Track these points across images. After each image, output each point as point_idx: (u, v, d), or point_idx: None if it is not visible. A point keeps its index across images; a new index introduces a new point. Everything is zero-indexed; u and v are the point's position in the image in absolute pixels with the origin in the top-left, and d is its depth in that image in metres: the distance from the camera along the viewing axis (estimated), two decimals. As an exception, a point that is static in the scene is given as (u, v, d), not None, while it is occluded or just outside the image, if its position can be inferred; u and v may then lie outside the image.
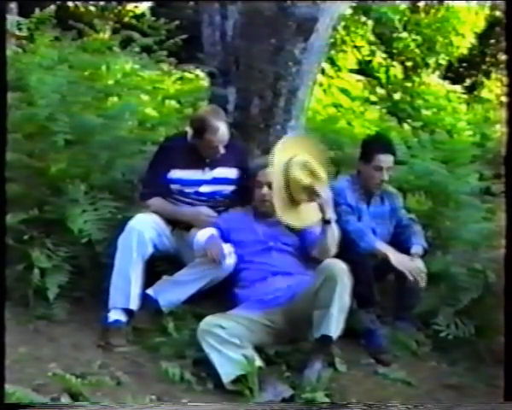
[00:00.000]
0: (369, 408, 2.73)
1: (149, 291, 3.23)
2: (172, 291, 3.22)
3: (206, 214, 3.39)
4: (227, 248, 3.23)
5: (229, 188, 3.50)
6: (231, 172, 3.50)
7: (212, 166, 3.45)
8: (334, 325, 2.88)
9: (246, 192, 3.46)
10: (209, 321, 2.97)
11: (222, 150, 3.40)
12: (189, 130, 3.50)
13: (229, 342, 2.91)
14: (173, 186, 3.42)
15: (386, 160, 3.51)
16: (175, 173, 3.42)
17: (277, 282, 3.17)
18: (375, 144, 3.63)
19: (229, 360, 2.87)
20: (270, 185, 3.31)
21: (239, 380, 2.82)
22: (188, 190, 3.42)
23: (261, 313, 3.08)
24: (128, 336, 3.18)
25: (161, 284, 3.26)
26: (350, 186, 3.56)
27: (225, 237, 3.29)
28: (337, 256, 3.17)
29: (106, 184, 3.58)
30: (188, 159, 3.43)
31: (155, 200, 3.40)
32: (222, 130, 3.37)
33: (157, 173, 3.42)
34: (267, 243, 3.28)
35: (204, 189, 3.44)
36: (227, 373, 2.86)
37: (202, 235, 3.24)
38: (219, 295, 3.29)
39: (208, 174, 3.45)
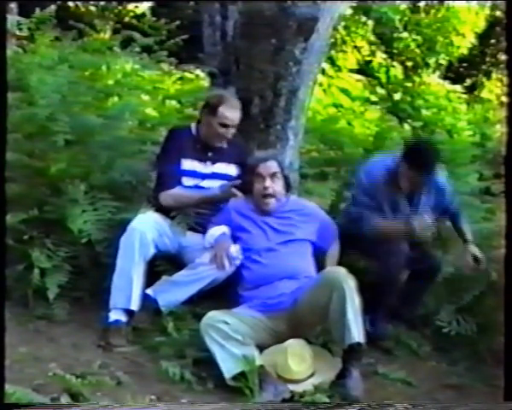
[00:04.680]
0: (370, 409, 2.73)
1: (149, 291, 3.22)
2: (172, 292, 3.21)
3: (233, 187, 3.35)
4: (235, 249, 3.23)
5: None
6: (231, 169, 3.49)
7: (214, 161, 3.45)
8: (356, 330, 2.88)
9: (245, 189, 3.45)
10: (213, 316, 2.96)
11: (229, 136, 3.41)
12: (193, 125, 3.51)
13: (232, 338, 2.91)
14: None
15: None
16: (183, 164, 3.41)
17: (282, 286, 3.15)
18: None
19: (232, 356, 2.87)
20: (273, 176, 3.32)
21: (240, 377, 2.82)
22: (189, 183, 3.41)
23: (264, 316, 3.09)
24: (128, 336, 3.17)
25: (161, 285, 3.25)
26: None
27: (233, 233, 3.30)
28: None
29: (106, 184, 3.57)
30: (192, 150, 3.42)
31: (176, 189, 3.38)
32: (237, 111, 3.40)
33: (172, 164, 3.39)
34: (272, 243, 3.27)
35: (205, 183, 3.43)
36: (229, 369, 2.86)
37: (214, 231, 3.26)
38: (220, 296, 3.28)
39: (209, 168, 3.44)
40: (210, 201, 3.40)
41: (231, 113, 3.38)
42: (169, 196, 3.37)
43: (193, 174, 3.41)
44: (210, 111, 3.39)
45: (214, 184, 3.42)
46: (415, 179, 3.36)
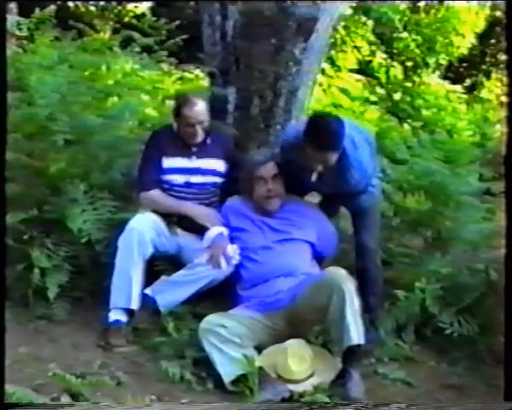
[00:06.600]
0: (369, 408, 2.73)
1: (147, 291, 3.23)
2: (171, 292, 3.22)
3: (212, 215, 3.38)
4: (232, 249, 3.23)
5: (219, 180, 3.49)
6: (219, 165, 3.49)
7: (199, 156, 3.46)
8: (355, 332, 2.87)
9: (235, 184, 3.46)
10: (211, 320, 2.97)
11: (201, 132, 3.42)
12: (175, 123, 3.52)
13: (230, 341, 2.91)
14: (165, 177, 3.42)
15: None
16: (166, 162, 3.43)
17: (279, 284, 3.16)
18: None
19: (231, 360, 2.87)
20: (274, 178, 3.33)
21: (239, 380, 2.82)
22: (179, 180, 3.42)
23: (262, 315, 3.09)
24: (128, 336, 3.18)
25: (159, 284, 3.25)
26: None
27: (230, 234, 3.31)
28: None
29: (105, 184, 3.58)
30: (174, 147, 3.45)
31: (156, 192, 3.40)
32: (199, 106, 3.41)
33: (151, 163, 3.43)
34: (270, 242, 3.28)
35: (195, 179, 3.43)
36: (228, 373, 2.86)
37: (212, 231, 3.27)
38: (219, 296, 3.29)
39: (195, 163, 3.45)
40: (184, 214, 3.39)
41: (193, 112, 3.39)
42: (148, 198, 3.40)
43: (179, 171, 3.42)
44: (175, 113, 3.45)
45: (203, 180, 3.44)
46: (314, 157, 3.12)
